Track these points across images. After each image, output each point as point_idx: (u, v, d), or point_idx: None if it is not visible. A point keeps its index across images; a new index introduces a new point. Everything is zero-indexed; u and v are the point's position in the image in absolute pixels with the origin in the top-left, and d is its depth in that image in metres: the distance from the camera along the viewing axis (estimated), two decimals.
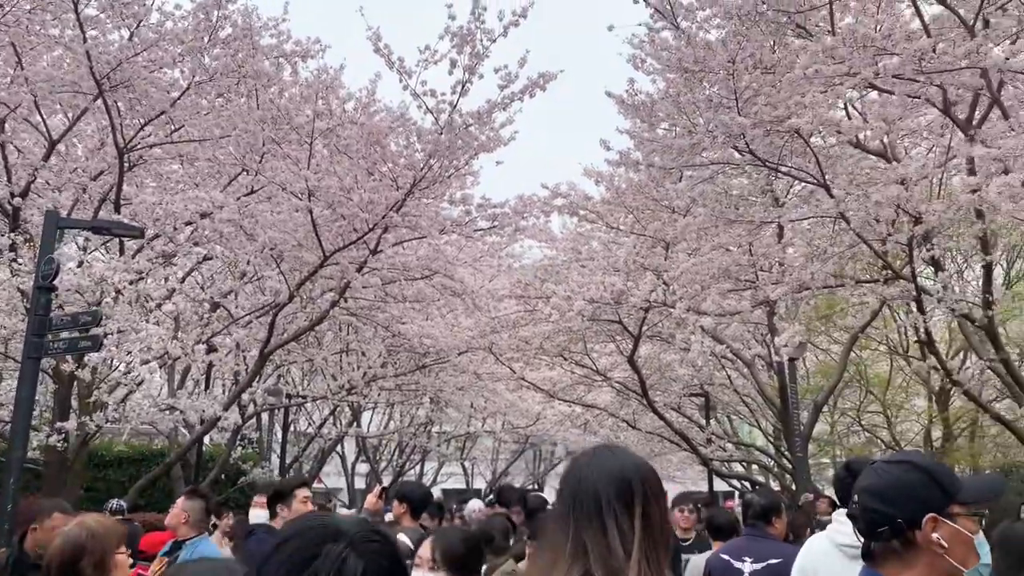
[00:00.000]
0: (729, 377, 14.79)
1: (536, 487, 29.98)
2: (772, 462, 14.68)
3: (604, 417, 16.04)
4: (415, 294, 10.79)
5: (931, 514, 1.79)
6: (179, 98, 8.30)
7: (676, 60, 7.70)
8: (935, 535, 1.78)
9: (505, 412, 17.77)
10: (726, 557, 4.19)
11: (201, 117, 8.63)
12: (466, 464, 29.36)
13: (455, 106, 8.83)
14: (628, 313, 9.92)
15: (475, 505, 8.46)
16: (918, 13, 6.73)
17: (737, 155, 7.11)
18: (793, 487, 11.66)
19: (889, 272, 8.01)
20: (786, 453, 13.06)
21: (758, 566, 4.03)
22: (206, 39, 8.04)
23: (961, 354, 13.98)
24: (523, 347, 12.40)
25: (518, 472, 30.73)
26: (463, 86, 8.75)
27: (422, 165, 9.01)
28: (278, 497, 4.62)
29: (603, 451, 1.77)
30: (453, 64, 8.67)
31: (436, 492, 22.30)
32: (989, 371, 8.54)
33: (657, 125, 8.37)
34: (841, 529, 2.83)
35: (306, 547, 1.16)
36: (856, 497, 1.89)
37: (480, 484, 29.52)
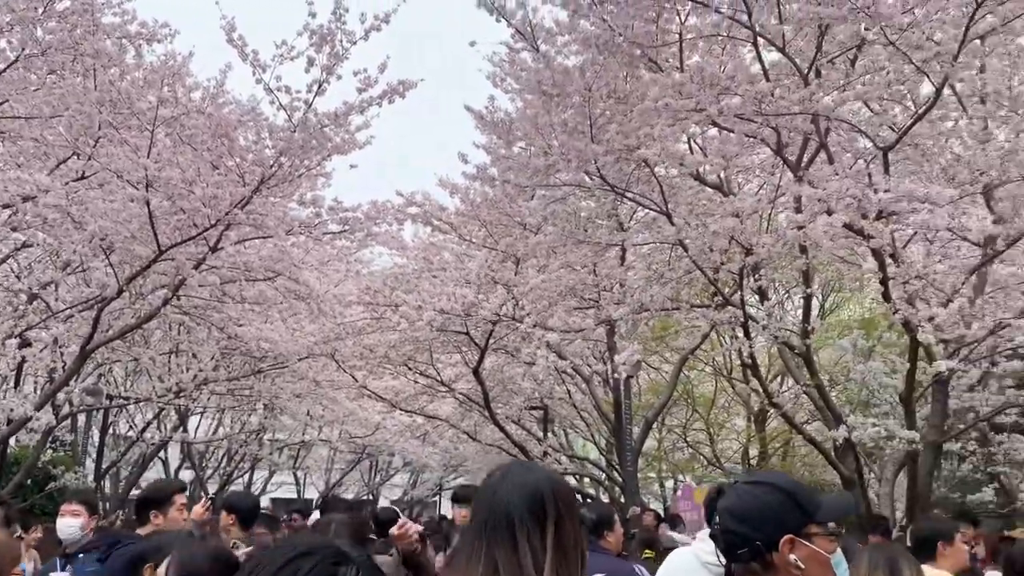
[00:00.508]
0: (569, 392, 15.19)
1: (371, 497, 29.53)
2: (604, 475, 15.19)
3: (445, 428, 16.05)
4: (256, 295, 10.39)
5: (788, 535, 1.79)
6: (4, 70, 7.62)
7: (535, 82, 7.88)
8: (792, 556, 1.77)
9: (343, 421, 17.41)
10: None
11: (29, 93, 7.96)
12: (298, 473, 28.51)
13: (310, 105, 8.62)
14: (476, 325, 10.00)
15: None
16: (759, 58, 7.21)
17: (588, 179, 7.35)
18: (623, 500, 12.11)
19: (720, 298, 8.51)
20: (617, 467, 13.55)
21: None
22: (40, 10, 7.43)
23: (779, 378, 15.03)
24: (367, 355, 12.22)
25: (352, 483, 30.17)
26: (320, 85, 8.56)
27: (272, 162, 8.72)
28: (152, 503, 4.19)
29: (516, 467, 1.75)
30: (311, 62, 8.47)
31: (265, 501, 21.52)
32: (804, 395, 9.20)
33: (514, 143, 8.52)
34: (706, 548, 2.87)
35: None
36: (717, 518, 1.91)
37: (312, 494, 28.74)
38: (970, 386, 8.99)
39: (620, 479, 12.81)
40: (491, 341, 10.73)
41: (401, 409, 15.11)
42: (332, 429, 20.01)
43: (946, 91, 6.66)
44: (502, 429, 12.56)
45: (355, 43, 8.56)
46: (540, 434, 15.56)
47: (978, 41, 6.51)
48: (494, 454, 16.37)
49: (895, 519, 8.69)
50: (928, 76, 6.27)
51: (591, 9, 7.07)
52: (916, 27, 6.02)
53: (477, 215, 10.10)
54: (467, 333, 10.50)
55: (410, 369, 13.39)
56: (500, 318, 8.57)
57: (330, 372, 13.38)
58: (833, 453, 9.55)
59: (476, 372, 11.20)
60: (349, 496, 27.70)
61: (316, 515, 8.27)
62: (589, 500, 15.31)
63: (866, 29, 6.50)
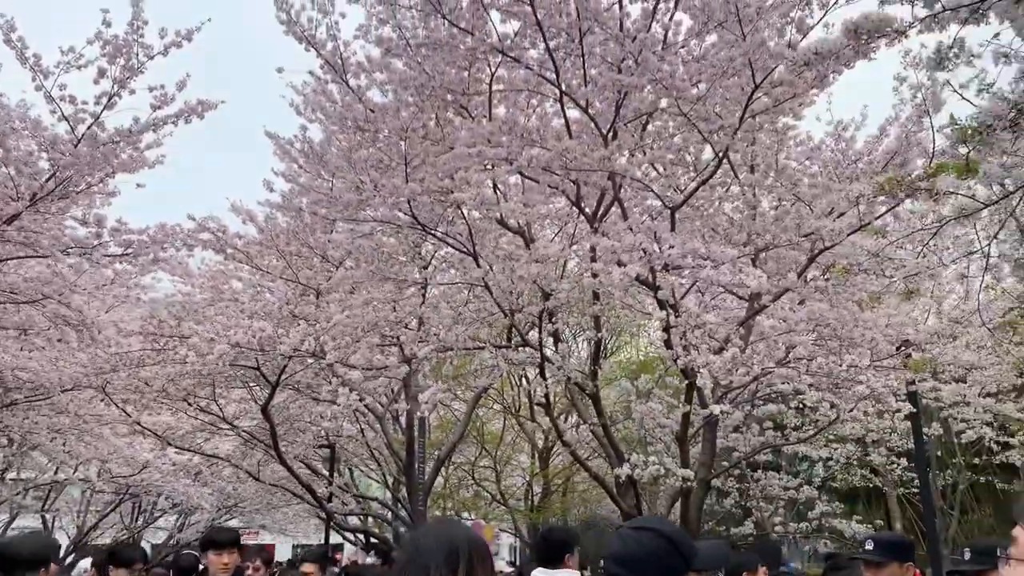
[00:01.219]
0: (361, 430, 14.95)
1: (132, 540, 27.10)
2: (390, 514, 15.03)
3: (222, 467, 15.17)
4: (22, 321, 9.37)
5: None
6: None
7: (343, 116, 7.85)
8: None
9: (107, 459, 15.94)
10: None
11: None
12: (47, 516, 25.61)
13: (98, 118, 8.02)
14: (267, 360, 9.62)
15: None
16: (564, 115, 7.65)
17: (401, 216, 7.39)
18: None
19: (519, 339, 8.81)
20: (405, 505, 13.47)
21: None
22: None
23: (563, 416, 15.66)
24: (143, 388, 11.35)
25: (110, 525, 27.54)
26: (110, 98, 8.00)
27: (48, 176, 7.98)
28: None
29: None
30: (102, 73, 7.91)
31: None
32: (590, 433, 9.68)
33: (324, 174, 8.39)
34: None
35: None
36: (603, 562, 2.00)
37: (64, 540, 25.90)
38: (735, 427, 9.92)
39: (408, 517, 12.74)
40: (283, 377, 10.36)
41: (176, 446, 14.11)
42: (90, 466, 18.24)
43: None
44: (289, 468, 12.09)
45: (152, 58, 8.12)
46: (326, 472, 15.14)
47: (752, 119, 7.31)
48: (278, 494, 15.71)
49: None
50: (712, 145, 6.95)
51: (405, 51, 7.19)
52: (704, 101, 6.67)
53: (276, 245, 9.78)
54: (258, 368, 10.08)
55: (190, 404, 12.58)
56: (300, 354, 8.32)
57: (97, 406, 12.26)
58: (615, 489, 10.11)
59: (264, 409, 10.74)
60: (107, 540, 25.25)
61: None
62: (372, 539, 15.06)
63: (660, 99, 7.12)
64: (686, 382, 8.09)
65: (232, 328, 8.18)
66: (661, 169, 8.52)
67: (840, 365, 7.26)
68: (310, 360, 9.87)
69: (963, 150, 3.20)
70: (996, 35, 2.96)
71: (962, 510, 15.29)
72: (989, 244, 6.90)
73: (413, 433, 11.84)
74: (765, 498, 11.80)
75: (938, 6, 3.02)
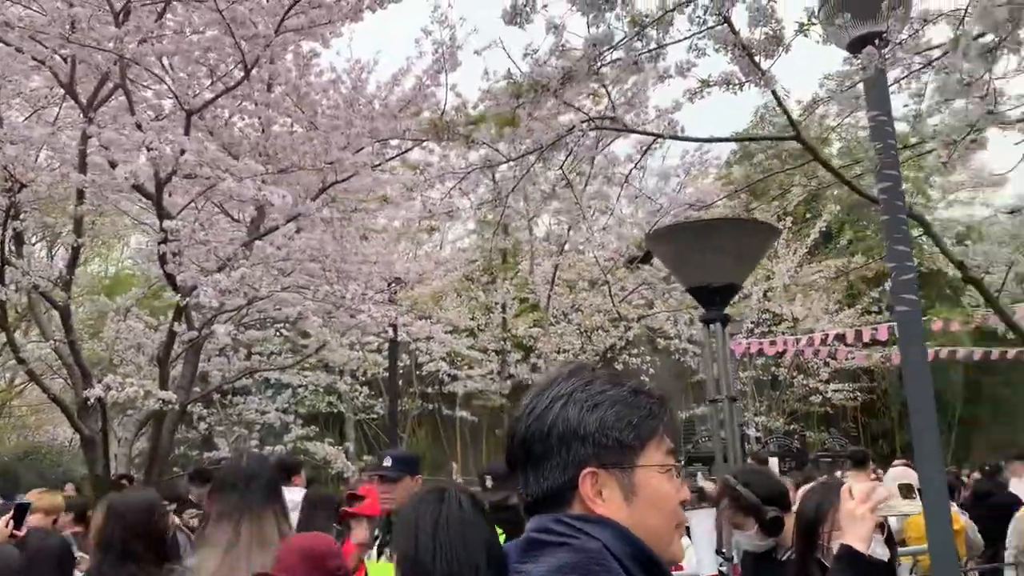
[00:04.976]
0: None
1: None
2: None
3: None
4: None
5: None
6: None
7: None
8: None
9: None
10: None
11: None
12: None
13: None
14: None
15: None
16: None
17: None
18: None
19: None
20: None
21: None
22: None
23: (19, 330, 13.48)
24: None
25: None
26: None
27: None
28: None
29: None
30: None
31: None
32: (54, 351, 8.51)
33: None
34: None
35: None
36: None
37: None
38: (219, 350, 9.62)
39: None
40: None
41: None
42: None
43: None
44: None
45: None
46: None
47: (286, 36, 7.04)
48: None
49: (137, 478, 8.70)
50: (243, 53, 6.52)
51: None
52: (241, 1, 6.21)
53: None
54: None
55: None
56: None
57: None
58: (76, 413, 9.06)
59: None
60: None
61: None
62: None
63: None
64: (175, 301, 7.56)
65: None
66: (183, 74, 7.73)
67: (345, 295, 7.52)
68: None
69: (514, 103, 3.50)
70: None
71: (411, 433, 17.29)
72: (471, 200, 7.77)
73: None
74: (242, 422, 11.76)
75: None
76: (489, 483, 3.58)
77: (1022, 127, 3.06)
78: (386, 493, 3.34)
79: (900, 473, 5.08)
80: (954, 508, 7.57)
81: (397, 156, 8.34)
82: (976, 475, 10.97)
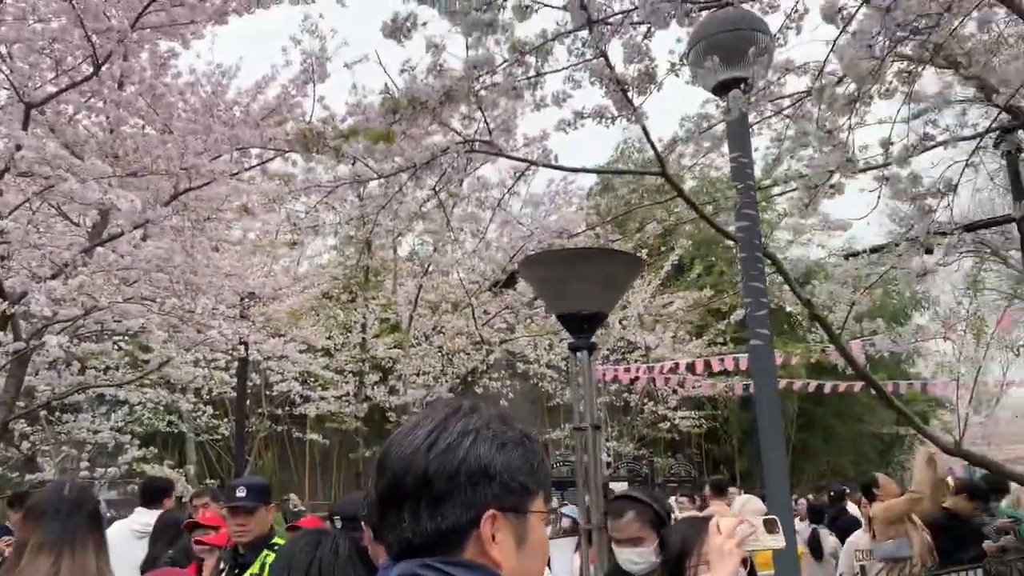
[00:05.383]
0: None
1: None
2: None
3: None
4: None
5: None
6: None
7: None
8: None
9: None
10: None
11: None
12: None
13: None
14: None
15: None
16: None
17: None
18: None
19: None
20: None
21: None
22: None
23: None
24: None
25: None
26: None
27: None
28: None
29: None
30: None
31: None
32: None
33: None
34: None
35: None
36: None
37: None
38: (50, 363, 8.86)
39: None
40: None
41: None
42: None
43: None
44: None
45: None
46: None
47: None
48: None
49: None
50: (94, 47, 6.08)
51: None
52: None
53: None
54: None
55: None
56: None
57: None
58: None
59: None
60: None
61: None
62: None
63: None
64: (1, 309, 6.90)
65: None
66: (26, 57, 7.11)
67: (194, 309, 7.09)
68: None
69: (390, 119, 3.41)
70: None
71: (257, 455, 16.53)
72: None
73: None
74: (71, 441, 10.84)
75: None
76: (339, 523, 3.42)
77: (874, 174, 3.27)
78: (241, 525, 3.12)
79: (745, 501, 5.29)
80: (823, 529, 8.01)
81: (258, 165, 8.01)
82: (803, 501, 11.79)
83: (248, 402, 13.14)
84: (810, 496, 12.78)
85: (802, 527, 8.30)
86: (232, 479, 11.96)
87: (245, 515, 3.18)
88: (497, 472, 1.15)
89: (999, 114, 3.42)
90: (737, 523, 1.97)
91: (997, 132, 4.15)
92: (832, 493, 9.54)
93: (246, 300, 8.46)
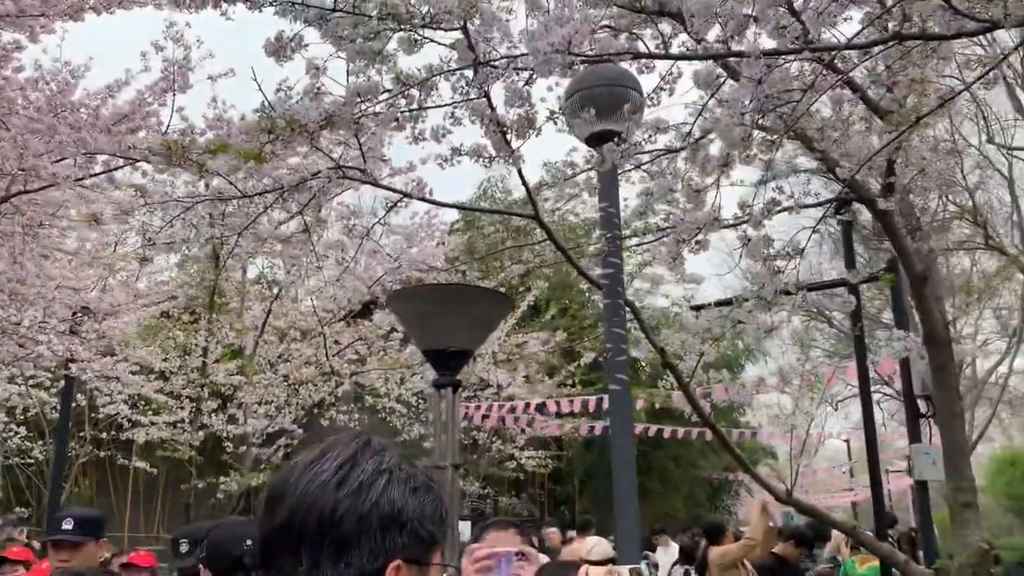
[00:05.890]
0: None
1: None
2: None
3: None
4: None
5: None
6: None
7: None
8: None
9: None
10: None
11: None
12: None
13: None
14: None
15: None
16: None
17: None
18: None
19: None
20: None
21: None
22: None
23: None
24: None
25: None
26: None
27: None
28: None
29: None
30: None
31: None
32: None
33: None
34: None
35: None
36: None
37: None
38: None
39: None
40: None
41: None
42: None
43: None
44: None
45: None
46: None
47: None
48: None
49: None
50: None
51: None
52: None
53: None
54: None
55: None
56: None
57: None
58: None
59: None
60: None
61: None
62: None
63: None
64: None
65: None
66: None
67: (20, 321, 6.51)
68: None
69: (264, 138, 3.28)
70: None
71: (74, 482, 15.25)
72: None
73: None
74: None
75: None
76: (184, 547, 3.20)
77: (738, 233, 3.46)
78: (64, 561, 2.85)
79: (596, 543, 5.39)
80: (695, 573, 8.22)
81: (103, 173, 7.52)
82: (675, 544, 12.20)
83: (70, 424, 12.15)
84: (683, 537, 13.21)
85: (677, 570, 8.59)
86: (45, 507, 11.00)
87: (70, 550, 2.91)
88: (408, 519, 1.06)
89: (843, 188, 3.72)
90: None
91: (836, 203, 4.52)
92: (698, 534, 9.86)
93: (78, 315, 7.85)
